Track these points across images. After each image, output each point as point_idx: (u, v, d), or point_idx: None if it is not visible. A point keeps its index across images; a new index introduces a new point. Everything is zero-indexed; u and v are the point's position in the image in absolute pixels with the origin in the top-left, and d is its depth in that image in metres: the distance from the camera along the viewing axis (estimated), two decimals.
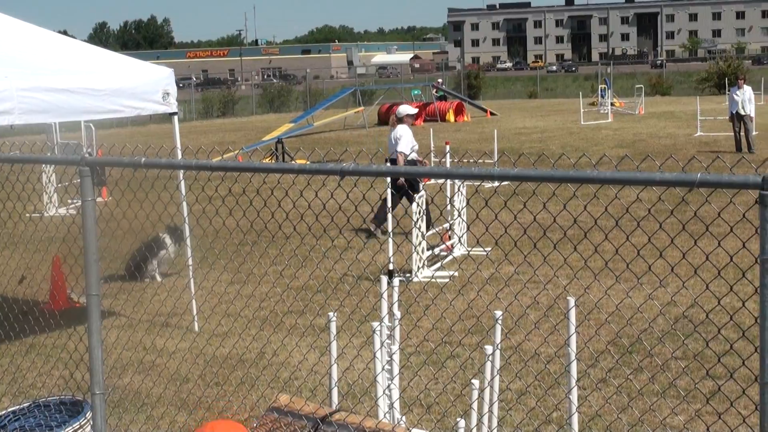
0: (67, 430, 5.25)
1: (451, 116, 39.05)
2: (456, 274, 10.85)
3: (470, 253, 12.00)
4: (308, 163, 4.11)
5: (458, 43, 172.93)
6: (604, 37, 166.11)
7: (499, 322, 4.79)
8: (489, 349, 4.71)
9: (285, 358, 7.46)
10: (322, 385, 6.82)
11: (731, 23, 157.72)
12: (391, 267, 10.33)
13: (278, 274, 10.73)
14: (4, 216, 6.67)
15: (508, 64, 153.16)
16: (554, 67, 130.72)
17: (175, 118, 9.00)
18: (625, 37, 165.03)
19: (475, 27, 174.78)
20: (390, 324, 5.16)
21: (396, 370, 5.14)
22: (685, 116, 35.76)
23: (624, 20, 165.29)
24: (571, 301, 4.58)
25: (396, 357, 5.13)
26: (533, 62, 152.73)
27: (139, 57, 10.75)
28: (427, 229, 11.90)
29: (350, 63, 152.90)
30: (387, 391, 5.10)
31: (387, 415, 5.09)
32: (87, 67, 8.45)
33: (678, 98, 52.63)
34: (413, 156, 13.17)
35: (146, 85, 8.60)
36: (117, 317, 9.49)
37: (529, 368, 7.09)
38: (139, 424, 6.41)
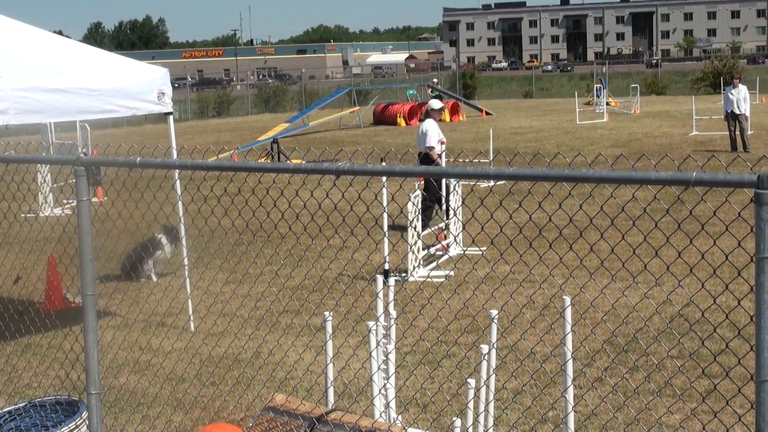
0: (62, 430, 5.24)
1: (446, 116, 39.14)
2: (452, 273, 10.85)
3: (466, 252, 12.01)
4: (304, 162, 4.10)
5: (453, 43, 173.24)
6: (599, 37, 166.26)
7: (495, 321, 4.79)
8: (485, 348, 4.71)
9: (281, 357, 7.46)
10: (318, 385, 6.82)
11: (726, 22, 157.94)
12: (386, 266, 10.33)
13: (274, 273, 10.72)
14: None
15: (504, 64, 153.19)
16: (549, 67, 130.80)
17: (171, 118, 8.99)
18: (620, 36, 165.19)
19: (470, 27, 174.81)
20: (386, 323, 5.16)
21: (392, 369, 5.14)
22: (681, 115, 35.80)
23: (619, 20, 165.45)
24: (567, 300, 4.58)
25: (392, 356, 5.14)
26: (528, 62, 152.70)
27: (135, 57, 10.75)
28: (423, 228, 11.95)
29: (345, 63, 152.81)
30: (383, 391, 5.10)
31: (383, 415, 5.09)
32: (82, 67, 8.44)
33: (673, 97, 52.69)
34: (438, 149, 13.62)
35: (141, 85, 8.59)
36: (113, 317, 9.48)
37: (525, 367, 7.09)
38: (135, 424, 6.40)
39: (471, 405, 4.76)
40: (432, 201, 12.89)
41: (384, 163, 13.52)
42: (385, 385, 5.10)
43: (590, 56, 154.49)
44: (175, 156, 8.78)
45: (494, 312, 4.79)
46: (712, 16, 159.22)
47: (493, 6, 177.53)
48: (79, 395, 5.86)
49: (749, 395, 3.48)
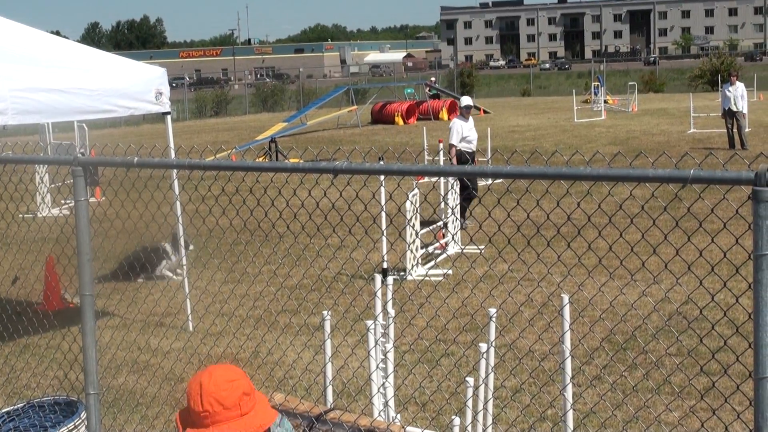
0: (61, 430, 5.23)
1: (444, 114, 39.09)
2: (450, 272, 10.85)
3: (464, 251, 12.01)
4: (301, 162, 4.11)
5: (451, 42, 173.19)
6: (597, 35, 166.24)
7: (493, 319, 4.79)
8: (483, 346, 4.71)
9: (279, 357, 7.45)
10: (317, 384, 6.82)
11: (724, 20, 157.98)
12: (385, 265, 10.33)
13: (272, 273, 10.72)
14: None
15: (501, 62, 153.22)
16: (547, 65, 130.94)
17: (168, 117, 8.99)
18: (618, 34, 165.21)
19: (467, 25, 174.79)
20: (384, 322, 5.16)
21: (390, 368, 5.14)
22: (678, 113, 35.82)
23: (617, 17, 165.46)
24: (565, 298, 4.58)
25: (390, 355, 5.14)
26: (526, 60, 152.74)
27: (132, 57, 10.73)
28: (462, 216, 12.43)
29: (343, 62, 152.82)
30: (381, 390, 5.10)
31: (382, 414, 5.09)
32: (80, 68, 8.43)
33: (671, 95, 52.72)
34: (463, 146, 14.15)
35: (139, 85, 8.58)
36: (111, 317, 9.48)
37: (523, 365, 7.10)
38: (133, 424, 6.40)
39: (470, 403, 4.76)
40: (471, 196, 12.99)
41: (382, 162, 13.53)
42: (383, 383, 5.10)
43: (588, 54, 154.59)
44: (172, 156, 8.77)
45: (492, 310, 4.79)
46: (709, 13, 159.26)
47: (490, 4, 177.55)
48: (78, 395, 5.86)
49: (748, 392, 3.48)
